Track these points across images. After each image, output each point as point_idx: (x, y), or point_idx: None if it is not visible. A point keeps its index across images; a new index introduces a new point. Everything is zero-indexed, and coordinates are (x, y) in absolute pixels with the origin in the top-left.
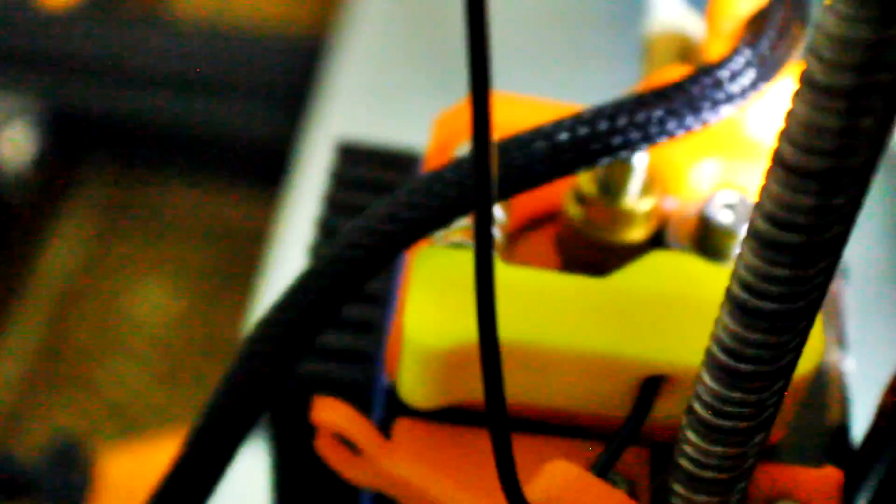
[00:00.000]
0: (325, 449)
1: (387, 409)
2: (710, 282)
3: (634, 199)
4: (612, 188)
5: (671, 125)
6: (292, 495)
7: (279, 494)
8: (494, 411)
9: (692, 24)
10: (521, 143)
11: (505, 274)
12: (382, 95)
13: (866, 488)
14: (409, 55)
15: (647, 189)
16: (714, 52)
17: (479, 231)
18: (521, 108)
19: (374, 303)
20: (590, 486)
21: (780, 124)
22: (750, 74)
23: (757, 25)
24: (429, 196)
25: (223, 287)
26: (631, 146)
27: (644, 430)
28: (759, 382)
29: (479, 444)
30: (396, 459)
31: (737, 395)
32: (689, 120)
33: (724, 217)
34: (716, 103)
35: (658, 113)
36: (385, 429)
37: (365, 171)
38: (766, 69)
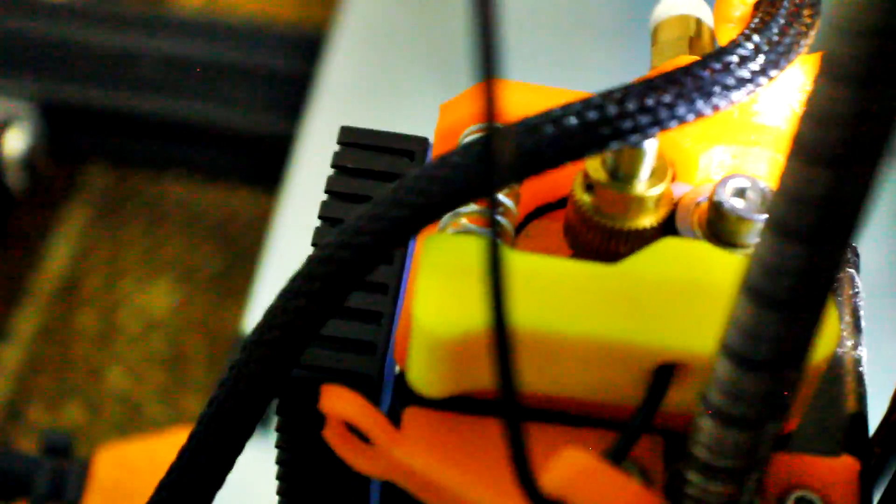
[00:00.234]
0: (334, 438)
1: (396, 398)
2: (723, 268)
3: (644, 185)
4: (621, 174)
5: (681, 110)
6: (300, 485)
7: (287, 484)
8: (507, 399)
9: (701, 11)
10: (529, 128)
11: (515, 261)
12: (380, 89)
13: (883, 477)
14: (407, 48)
15: (656, 175)
16: (723, 38)
17: (489, 215)
18: (530, 94)
19: (383, 291)
20: (604, 474)
21: (801, 107)
22: (759, 59)
23: (766, 11)
24: (435, 182)
25: (224, 281)
26: (641, 131)
27: (657, 419)
28: (774, 370)
29: (490, 432)
30: (406, 448)
31: (752, 382)
32: (700, 104)
33: (735, 203)
34: (726, 88)
35: (668, 97)
36: (394, 418)
37: (368, 158)
38: (776, 55)
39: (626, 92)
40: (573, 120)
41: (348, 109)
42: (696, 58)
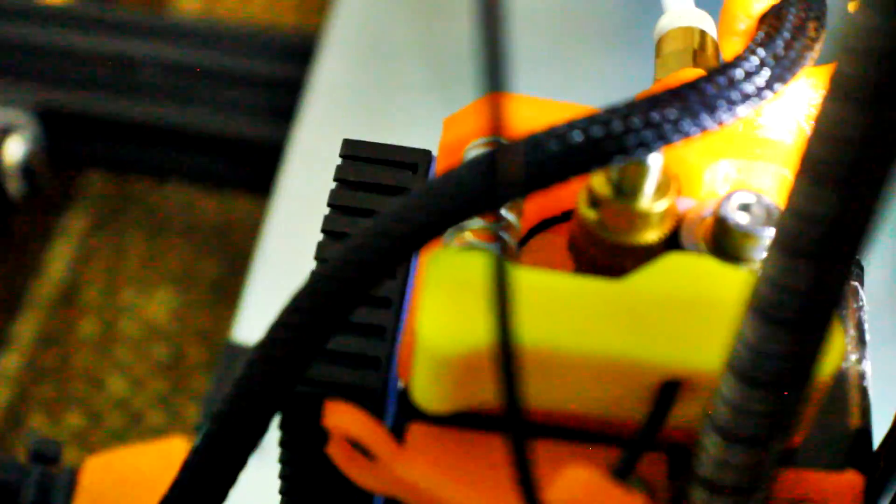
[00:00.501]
0: (338, 454)
1: (400, 414)
2: (728, 284)
3: (649, 199)
4: (626, 189)
5: (686, 125)
6: (303, 500)
7: (290, 499)
8: (512, 415)
9: (705, 24)
10: (534, 143)
11: (519, 277)
12: (374, 96)
13: (887, 493)
14: (399, 55)
15: (661, 189)
16: (728, 51)
17: (496, 231)
18: (534, 108)
19: (386, 306)
20: (608, 490)
21: (810, 125)
22: (764, 74)
23: (771, 25)
24: (440, 197)
25: (224, 288)
26: (646, 146)
27: (662, 435)
28: (780, 387)
29: (494, 448)
30: (410, 464)
31: (758, 398)
32: (705, 119)
33: (740, 218)
34: (731, 103)
35: (673, 113)
36: (398, 433)
37: (371, 171)
38: (781, 69)
39: (631, 107)
40: (578, 135)
41: (339, 116)
42: (700, 71)
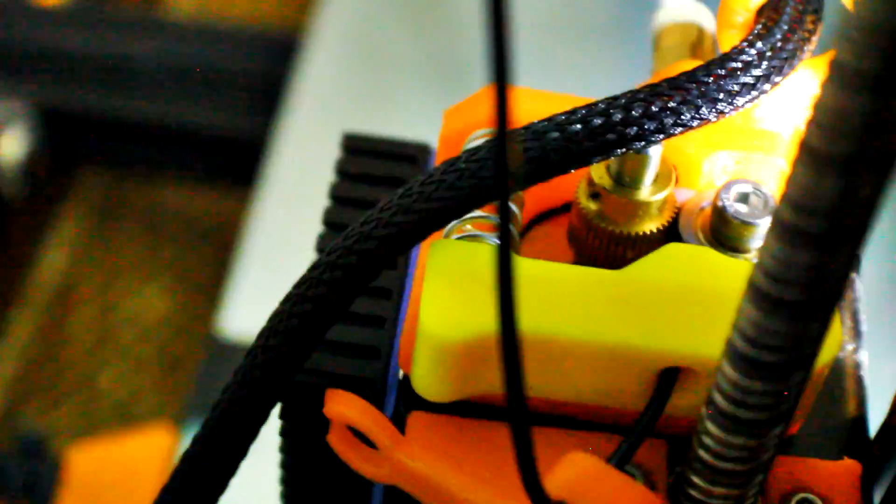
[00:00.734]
0: (338, 443)
1: (401, 403)
2: (727, 274)
3: (648, 190)
4: (625, 180)
5: (686, 116)
6: (304, 490)
7: (290, 489)
8: (514, 403)
9: (702, 17)
10: (534, 134)
11: (521, 266)
12: (364, 91)
13: (883, 480)
14: (385, 49)
15: (660, 180)
16: (726, 44)
17: (501, 221)
18: (534, 100)
19: (386, 296)
20: (609, 477)
21: (808, 111)
22: (763, 66)
23: (769, 17)
24: (442, 187)
25: (219, 283)
26: (646, 137)
27: (661, 423)
28: (780, 373)
29: (495, 437)
30: (411, 452)
31: (758, 385)
32: (705, 111)
33: (738, 208)
34: (730, 94)
35: (673, 103)
36: (399, 422)
37: (371, 164)
38: (780, 61)
39: (632, 98)
40: (578, 126)
41: (326, 110)
42: (699, 62)
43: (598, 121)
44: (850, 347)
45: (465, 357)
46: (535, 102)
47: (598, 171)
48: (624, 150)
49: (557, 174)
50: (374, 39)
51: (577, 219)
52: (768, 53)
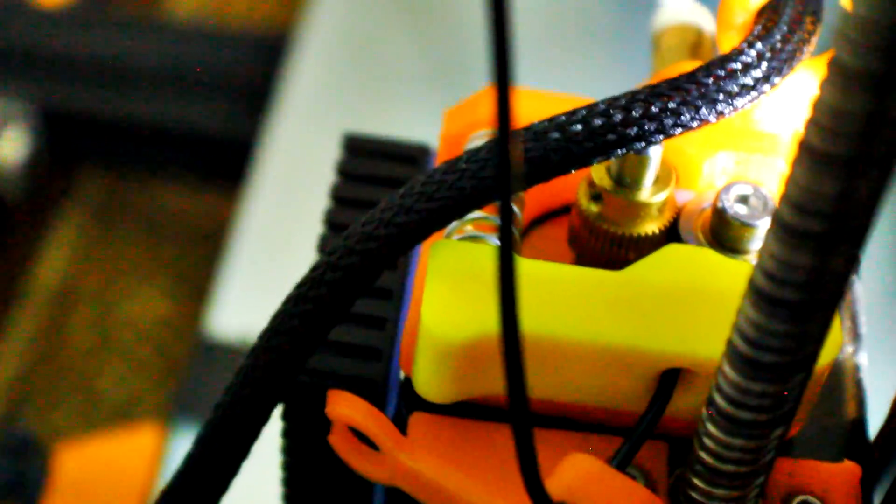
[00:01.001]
0: (340, 443)
1: (402, 404)
2: (728, 275)
3: (648, 191)
4: (626, 181)
5: (686, 117)
6: (305, 490)
7: (292, 489)
8: (516, 404)
9: (702, 18)
10: (535, 134)
11: (522, 267)
12: (358, 90)
13: (883, 482)
14: (381, 51)
15: (660, 181)
16: (725, 45)
17: (503, 221)
18: (534, 100)
19: (387, 297)
20: (610, 478)
21: (808, 111)
22: (762, 67)
23: (769, 18)
24: (443, 187)
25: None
26: (646, 137)
27: (662, 424)
28: (780, 374)
29: (496, 438)
30: (412, 453)
31: (758, 386)
32: (704, 111)
33: (738, 209)
34: (730, 95)
35: (673, 104)
36: (400, 423)
37: (371, 165)
38: (779, 62)
39: (632, 98)
40: (579, 126)
41: (322, 112)
42: (698, 63)
43: (598, 121)
44: (849, 349)
45: (466, 358)
46: (534, 103)
47: (599, 173)
48: (624, 150)
49: (558, 175)
50: (372, 40)
51: (577, 220)
52: (768, 54)
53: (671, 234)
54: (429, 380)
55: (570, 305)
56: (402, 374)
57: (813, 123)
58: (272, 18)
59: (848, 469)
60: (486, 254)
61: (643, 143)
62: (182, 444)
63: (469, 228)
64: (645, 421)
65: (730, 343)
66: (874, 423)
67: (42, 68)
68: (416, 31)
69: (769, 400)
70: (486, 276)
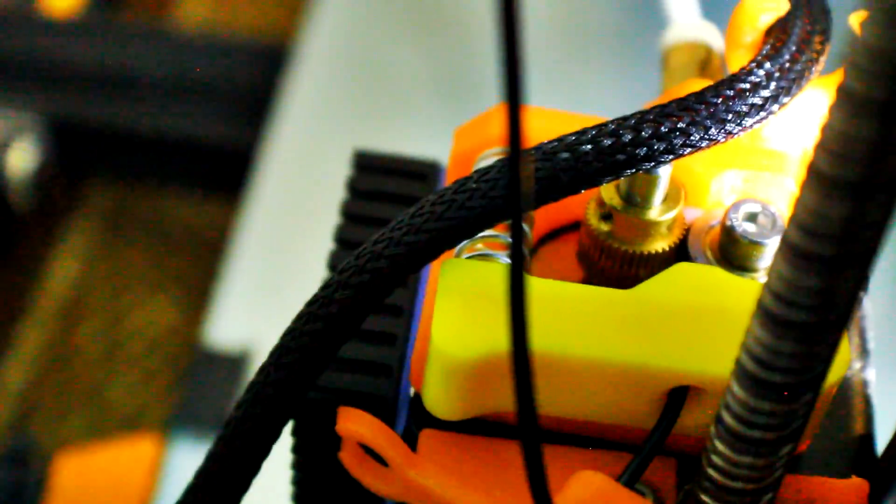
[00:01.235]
0: (350, 460)
1: (412, 421)
2: (736, 294)
3: (657, 210)
4: (635, 199)
5: (695, 136)
6: None
7: None
8: (526, 421)
9: (711, 36)
10: (544, 154)
11: (532, 285)
12: (366, 105)
13: (891, 498)
14: (377, 63)
15: (669, 199)
16: (734, 63)
17: (514, 240)
18: (543, 119)
19: (397, 313)
20: (618, 496)
21: (817, 135)
22: (771, 86)
23: (777, 38)
24: (453, 206)
25: None
26: (655, 157)
27: (671, 441)
28: (789, 393)
29: (506, 455)
30: (422, 470)
31: (766, 405)
32: (714, 131)
33: (747, 227)
34: (739, 115)
35: (682, 124)
36: (410, 440)
37: (381, 182)
38: (788, 81)
39: (641, 118)
40: (588, 146)
41: (328, 125)
42: (707, 81)
43: (607, 141)
44: (857, 365)
45: (476, 376)
46: (544, 121)
47: (609, 192)
48: (633, 170)
49: (567, 195)
50: (378, 52)
51: (587, 238)
52: (777, 74)
53: (680, 251)
54: (438, 397)
55: (579, 323)
56: (412, 391)
57: (821, 148)
58: (281, 29)
59: (856, 485)
60: (496, 272)
61: (652, 163)
62: (181, 453)
63: (480, 246)
64: (654, 438)
65: (738, 362)
66: (882, 438)
67: (51, 80)
68: (423, 43)
69: (777, 418)
70: (497, 294)
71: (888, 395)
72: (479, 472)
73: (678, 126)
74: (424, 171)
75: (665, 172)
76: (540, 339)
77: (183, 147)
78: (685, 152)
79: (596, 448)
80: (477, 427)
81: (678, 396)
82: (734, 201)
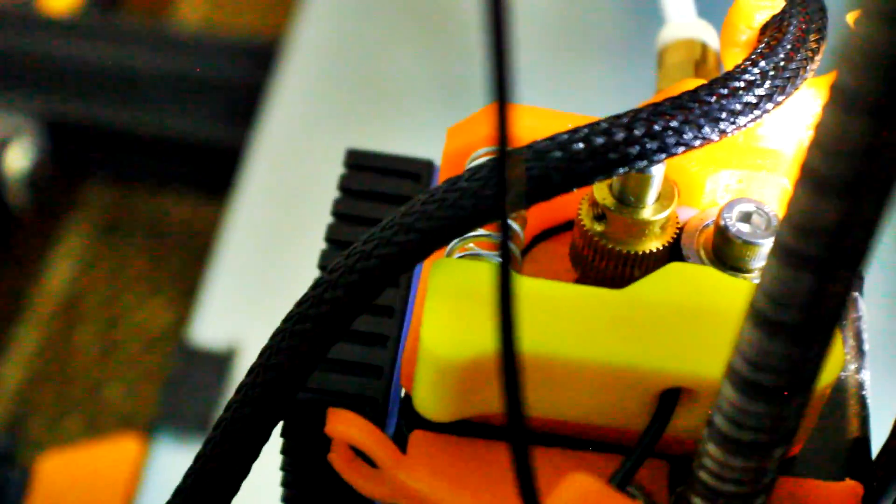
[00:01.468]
0: (339, 461)
1: (402, 422)
2: (730, 294)
3: (651, 209)
4: (628, 199)
5: (688, 136)
6: None
7: None
8: (514, 423)
9: (706, 34)
10: (536, 153)
11: (522, 285)
12: (363, 104)
13: (885, 501)
14: (371, 62)
15: (662, 199)
16: (729, 62)
17: (502, 240)
18: (536, 118)
19: (388, 314)
20: (610, 498)
21: (810, 135)
22: (766, 85)
23: (773, 36)
24: (444, 206)
25: None
26: (648, 156)
27: (662, 443)
28: (781, 395)
29: (496, 456)
30: (412, 472)
31: (758, 407)
32: (707, 130)
33: (740, 227)
34: (733, 114)
35: (675, 123)
36: (400, 441)
37: (374, 181)
38: (783, 80)
39: (634, 117)
40: (581, 145)
41: (319, 124)
42: (702, 80)
43: (600, 140)
44: (852, 367)
45: (466, 377)
46: (536, 120)
47: (602, 191)
48: (626, 169)
49: (560, 193)
50: (372, 51)
51: (580, 238)
52: (771, 72)
53: (673, 251)
54: (428, 398)
55: (570, 324)
56: (402, 392)
57: (815, 146)
58: (276, 29)
59: (850, 488)
60: (486, 272)
61: (645, 162)
62: (164, 451)
63: (471, 246)
64: (645, 440)
65: (730, 364)
66: (877, 441)
67: (48, 80)
68: (417, 42)
69: (769, 421)
70: (487, 294)
71: (883, 396)
72: (469, 474)
73: (671, 125)
74: (418, 171)
75: (658, 171)
76: (531, 339)
77: (181, 147)
78: (679, 151)
79: (587, 450)
80: (467, 429)
81: (670, 398)
82: (728, 201)
